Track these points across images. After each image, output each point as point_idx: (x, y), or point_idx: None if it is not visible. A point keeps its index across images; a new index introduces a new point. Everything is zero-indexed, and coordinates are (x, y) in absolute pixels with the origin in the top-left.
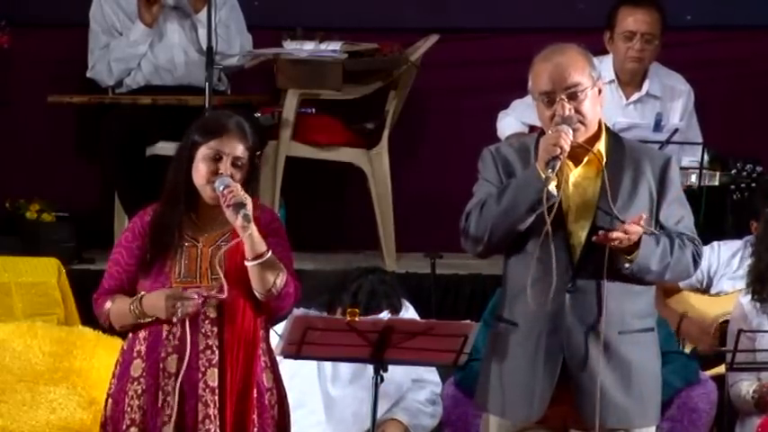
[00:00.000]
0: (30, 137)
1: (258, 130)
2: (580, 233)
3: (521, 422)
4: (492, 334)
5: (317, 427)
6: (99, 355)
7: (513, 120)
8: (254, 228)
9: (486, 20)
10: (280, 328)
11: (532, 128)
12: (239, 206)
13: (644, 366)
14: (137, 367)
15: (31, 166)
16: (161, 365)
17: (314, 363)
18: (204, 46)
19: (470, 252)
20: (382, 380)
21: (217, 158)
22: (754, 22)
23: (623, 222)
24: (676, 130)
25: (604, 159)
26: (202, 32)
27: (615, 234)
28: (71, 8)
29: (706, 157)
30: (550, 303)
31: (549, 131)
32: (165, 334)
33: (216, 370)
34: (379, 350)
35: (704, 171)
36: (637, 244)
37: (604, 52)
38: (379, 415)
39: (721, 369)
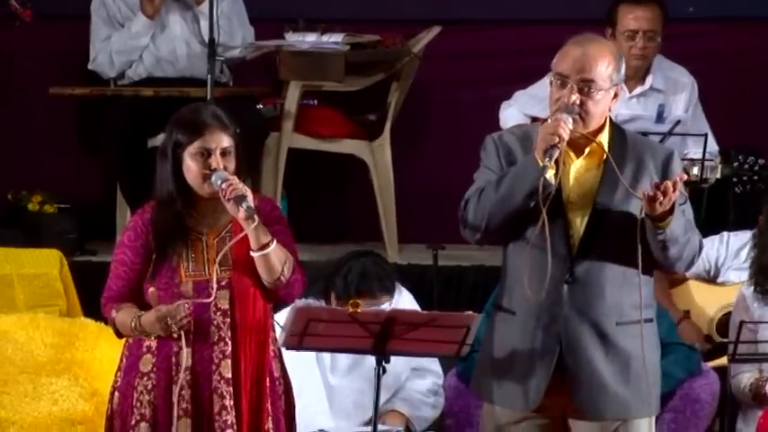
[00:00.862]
0: (32, 128)
1: (258, 120)
2: (579, 224)
3: (518, 411)
4: (490, 323)
5: (321, 416)
6: (101, 347)
7: (515, 111)
8: (257, 219)
9: (489, 11)
10: (281, 319)
11: (534, 119)
12: (240, 199)
13: (642, 357)
14: (146, 362)
15: (33, 157)
16: (173, 360)
17: (312, 353)
18: (206, 38)
19: (469, 239)
20: (384, 371)
21: (204, 155)
22: (755, 13)
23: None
24: (678, 122)
25: (606, 150)
26: (204, 24)
27: (670, 183)
28: (74, 1)
29: (709, 149)
30: (548, 294)
31: (549, 119)
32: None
33: (229, 361)
34: (382, 341)
35: (706, 163)
36: (670, 211)
37: None
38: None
39: (723, 360)
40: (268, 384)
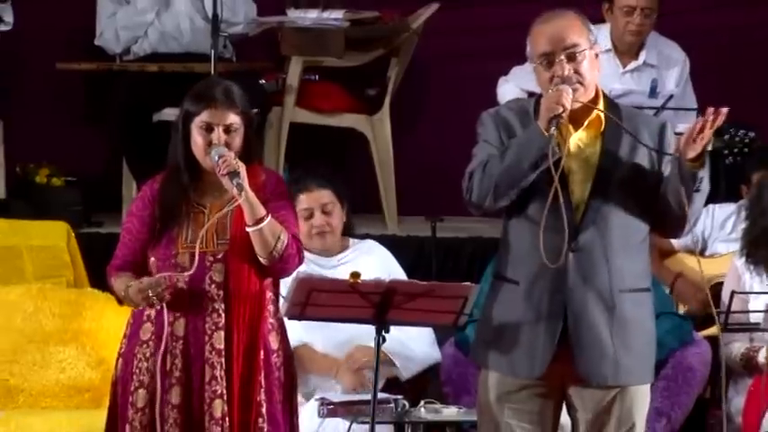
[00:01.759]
0: (39, 103)
1: (261, 95)
2: (582, 193)
3: (522, 378)
4: (492, 293)
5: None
6: (107, 317)
7: (512, 86)
8: (251, 194)
9: None
10: (283, 290)
11: (531, 94)
12: (233, 175)
13: (641, 325)
14: (146, 330)
15: (40, 131)
16: (169, 329)
17: None
18: (210, 14)
19: (474, 211)
20: (384, 340)
21: (209, 129)
22: None
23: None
24: (671, 97)
25: (603, 124)
26: (208, 1)
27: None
28: None
29: None
30: (554, 261)
31: (549, 91)
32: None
33: (222, 333)
34: (382, 311)
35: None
36: (703, 154)
37: (601, 21)
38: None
39: (715, 330)
40: (262, 357)
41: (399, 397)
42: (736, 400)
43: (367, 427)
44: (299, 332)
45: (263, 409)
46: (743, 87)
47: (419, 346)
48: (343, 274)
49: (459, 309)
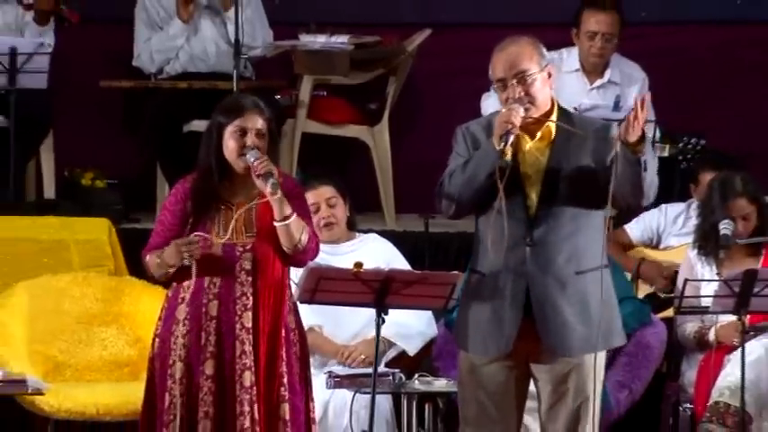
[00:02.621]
0: (85, 116)
1: (277, 109)
2: (534, 195)
3: (491, 355)
4: (466, 284)
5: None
6: (144, 301)
7: (493, 100)
8: (281, 193)
9: (472, 16)
10: (295, 277)
11: None
12: (268, 175)
13: (600, 298)
14: (181, 311)
15: (85, 140)
16: (204, 310)
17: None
18: (232, 39)
19: (444, 214)
20: (383, 321)
21: (242, 134)
22: (696, 17)
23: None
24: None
25: (553, 134)
26: (231, 28)
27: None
28: (120, 7)
29: (657, 133)
30: (513, 255)
31: (502, 111)
32: (206, 284)
33: (250, 313)
34: (381, 296)
35: (656, 144)
36: (641, 139)
37: (573, 44)
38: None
39: (670, 312)
40: (283, 334)
41: (397, 371)
42: (689, 373)
43: (369, 396)
44: (309, 316)
45: (285, 380)
46: (695, 101)
47: (419, 325)
48: (348, 262)
49: (448, 294)
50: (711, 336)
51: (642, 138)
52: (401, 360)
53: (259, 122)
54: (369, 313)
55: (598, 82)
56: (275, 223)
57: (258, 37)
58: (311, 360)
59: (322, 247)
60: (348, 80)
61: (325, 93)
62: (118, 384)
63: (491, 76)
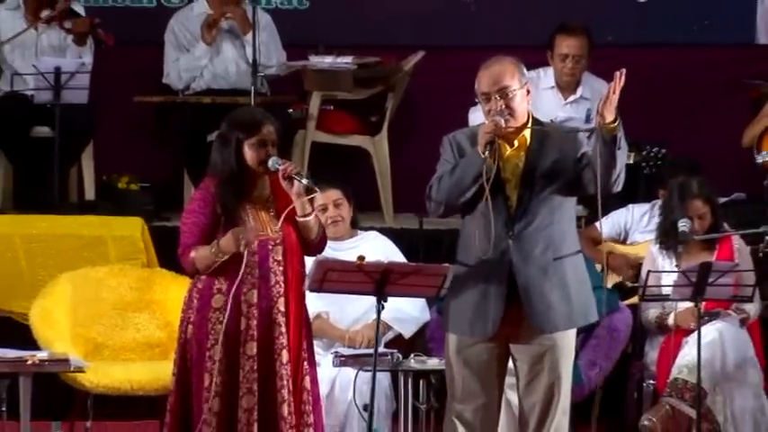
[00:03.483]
0: (121, 127)
1: (288, 120)
2: (514, 195)
3: (477, 337)
4: (453, 274)
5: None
6: (172, 290)
7: (480, 113)
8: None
9: (461, 39)
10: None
11: None
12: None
13: (577, 279)
14: (218, 300)
15: (122, 148)
16: (243, 298)
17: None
18: (250, 59)
19: (433, 214)
20: (383, 308)
21: (261, 145)
22: (657, 41)
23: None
24: None
25: (528, 142)
26: (249, 50)
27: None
28: (151, 32)
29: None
30: (497, 248)
31: (486, 122)
32: (245, 275)
33: (283, 299)
34: (381, 286)
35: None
36: (617, 118)
37: (549, 64)
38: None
39: (635, 300)
40: (303, 316)
41: (394, 351)
42: (652, 353)
43: (370, 374)
44: (316, 303)
45: (306, 354)
46: (656, 114)
47: (415, 311)
48: (352, 256)
49: (440, 284)
50: (671, 320)
51: (616, 117)
52: (398, 342)
53: (273, 132)
54: (370, 300)
55: (571, 97)
56: (299, 219)
57: (273, 58)
58: (320, 343)
59: (329, 242)
60: (352, 96)
61: (331, 107)
62: (149, 363)
63: (477, 89)
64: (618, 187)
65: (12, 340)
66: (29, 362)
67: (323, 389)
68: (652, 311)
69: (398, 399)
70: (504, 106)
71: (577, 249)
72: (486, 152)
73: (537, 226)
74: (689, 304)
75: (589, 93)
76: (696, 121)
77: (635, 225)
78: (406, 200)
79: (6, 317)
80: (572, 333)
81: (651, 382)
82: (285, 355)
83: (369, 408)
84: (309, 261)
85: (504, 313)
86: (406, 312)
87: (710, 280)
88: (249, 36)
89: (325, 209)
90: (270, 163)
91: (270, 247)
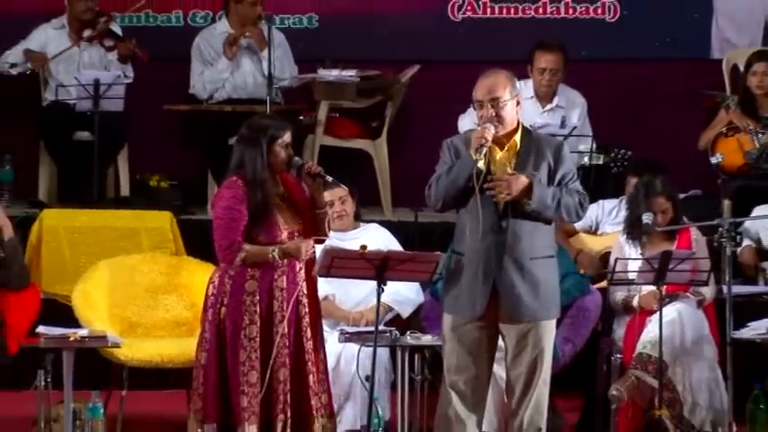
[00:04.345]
0: (152, 132)
1: (299, 126)
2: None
3: (467, 318)
4: (449, 261)
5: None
6: (198, 275)
7: (468, 120)
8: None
9: (453, 54)
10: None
11: None
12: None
13: (547, 280)
14: (251, 285)
15: (154, 150)
16: (274, 284)
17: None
18: (266, 72)
19: (432, 208)
20: (383, 291)
21: (286, 146)
22: (625, 56)
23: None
24: (575, 128)
25: (518, 146)
26: (265, 64)
27: (497, 182)
28: (179, 49)
29: (594, 146)
30: (485, 241)
31: (478, 127)
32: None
33: (304, 283)
34: (381, 271)
35: (593, 154)
36: (529, 193)
37: (529, 77)
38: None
39: (604, 284)
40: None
41: (393, 329)
42: (619, 331)
43: (371, 349)
44: (324, 287)
45: (320, 330)
46: (623, 120)
47: (411, 294)
48: (355, 245)
49: (433, 270)
50: (636, 302)
51: (529, 190)
52: (396, 321)
53: (290, 136)
54: (371, 284)
55: (548, 106)
56: (318, 211)
57: (286, 71)
58: (327, 322)
59: (335, 233)
60: (355, 104)
61: (337, 114)
62: (178, 339)
63: (473, 96)
64: (577, 218)
65: (56, 319)
66: (71, 338)
67: (330, 362)
68: (619, 294)
69: (396, 371)
70: (494, 114)
71: (552, 254)
72: (477, 155)
73: (521, 226)
74: (652, 288)
75: (564, 102)
76: (659, 127)
77: (605, 218)
78: (403, 196)
79: (52, 299)
80: (555, 310)
81: (618, 356)
82: (309, 331)
83: (370, 379)
84: (318, 250)
85: (492, 297)
86: (404, 295)
87: (671, 266)
88: (265, 52)
89: (332, 204)
90: (294, 161)
91: (296, 237)
